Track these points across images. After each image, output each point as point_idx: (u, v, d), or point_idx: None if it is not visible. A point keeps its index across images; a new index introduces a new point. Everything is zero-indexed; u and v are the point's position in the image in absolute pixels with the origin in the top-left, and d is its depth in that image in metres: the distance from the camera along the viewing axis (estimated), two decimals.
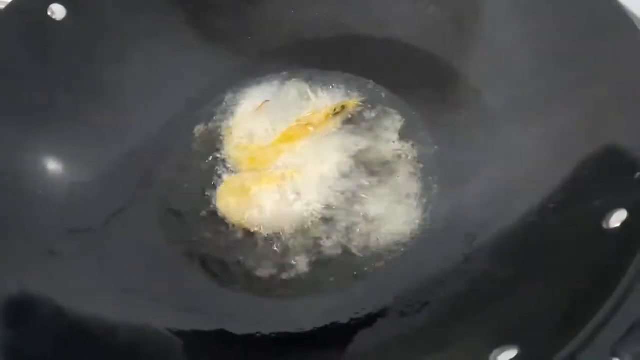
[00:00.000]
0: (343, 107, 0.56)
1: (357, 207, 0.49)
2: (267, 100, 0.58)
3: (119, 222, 0.49)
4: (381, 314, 0.41)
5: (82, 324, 0.39)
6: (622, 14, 0.43)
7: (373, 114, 0.56)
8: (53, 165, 0.50)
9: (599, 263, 0.35)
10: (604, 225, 0.36)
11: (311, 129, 0.55)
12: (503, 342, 0.33)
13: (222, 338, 0.41)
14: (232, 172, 0.54)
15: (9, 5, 0.52)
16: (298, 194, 0.50)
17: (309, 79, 0.60)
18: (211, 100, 0.59)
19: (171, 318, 0.42)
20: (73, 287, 0.42)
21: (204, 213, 0.51)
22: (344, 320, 0.42)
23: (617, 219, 0.36)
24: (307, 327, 0.42)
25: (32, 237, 0.44)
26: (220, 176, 0.53)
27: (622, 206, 0.36)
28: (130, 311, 0.42)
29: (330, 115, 0.56)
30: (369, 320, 0.41)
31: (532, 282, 0.38)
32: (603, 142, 0.41)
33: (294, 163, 0.53)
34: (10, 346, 0.36)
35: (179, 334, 0.41)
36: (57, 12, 0.54)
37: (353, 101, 0.57)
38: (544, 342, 0.32)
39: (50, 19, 0.54)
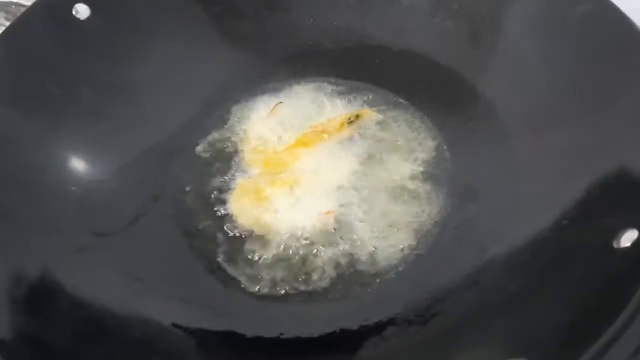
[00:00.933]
0: (357, 116, 0.57)
1: (368, 216, 0.50)
2: (280, 102, 0.59)
3: (136, 219, 0.49)
4: (390, 322, 0.42)
5: (98, 317, 0.40)
6: (635, 33, 0.44)
7: (387, 124, 0.57)
8: (74, 160, 0.51)
9: (609, 281, 0.35)
10: (615, 245, 0.36)
11: (325, 136, 0.56)
12: (512, 355, 0.34)
13: (231, 339, 0.42)
14: (247, 175, 0.54)
15: (36, 3, 0.53)
16: (310, 200, 0.51)
17: (325, 86, 0.61)
18: (228, 102, 0.60)
19: (184, 317, 0.42)
20: (91, 280, 0.43)
21: (218, 215, 0.51)
22: (352, 327, 0.42)
23: (628, 238, 0.36)
24: (316, 332, 0.42)
25: (54, 229, 0.45)
26: (234, 179, 0.54)
27: (633, 226, 0.36)
28: (145, 308, 0.42)
29: (345, 124, 0.57)
30: (377, 328, 0.42)
31: (542, 296, 0.38)
32: (616, 162, 0.41)
33: (307, 169, 0.54)
34: (30, 334, 0.37)
35: (191, 332, 0.42)
36: (82, 11, 0.55)
37: (368, 110, 0.58)
38: (552, 356, 0.32)
39: (74, 17, 0.55)
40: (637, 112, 0.43)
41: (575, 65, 0.49)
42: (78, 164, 0.51)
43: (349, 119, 0.57)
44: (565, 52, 0.50)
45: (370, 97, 0.59)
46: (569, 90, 0.49)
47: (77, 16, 0.55)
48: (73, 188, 0.49)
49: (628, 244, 0.36)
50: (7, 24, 0.70)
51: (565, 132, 0.47)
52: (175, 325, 0.42)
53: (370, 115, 0.57)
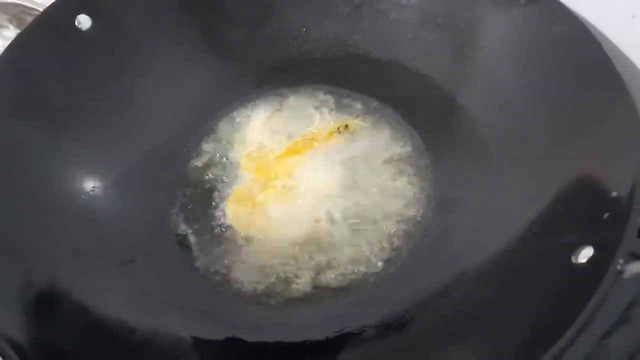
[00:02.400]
0: (346, 126, 0.60)
1: (351, 224, 0.53)
2: (279, 109, 0.63)
3: (135, 227, 0.53)
4: (366, 328, 0.45)
5: (103, 322, 0.44)
6: (612, 68, 0.46)
7: (374, 133, 0.60)
8: (77, 169, 0.54)
9: (566, 297, 0.38)
10: (574, 260, 0.40)
11: (315, 144, 0.60)
12: None
13: (227, 346, 0.46)
14: (242, 181, 0.58)
15: (41, 15, 0.56)
16: (299, 208, 0.55)
17: (316, 96, 0.64)
18: (223, 110, 0.63)
19: (182, 322, 0.46)
20: (95, 286, 0.46)
21: (214, 220, 0.55)
22: (331, 331, 0.46)
23: (585, 255, 0.39)
24: (296, 337, 0.46)
25: (60, 238, 0.48)
26: (230, 185, 0.57)
27: (590, 243, 0.39)
28: (146, 314, 0.46)
29: (334, 133, 0.60)
30: (356, 333, 0.45)
31: (507, 308, 0.42)
32: (581, 181, 0.45)
33: (297, 177, 0.57)
34: (39, 337, 0.40)
35: (185, 337, 0.46)
36: (84, 22, 0.57)
37: (356, 121, 0.61)
38: None
39: (77, 28, 0.57)
40: (606, 135, 0.45)
41: (550, 86, 0.51)
42: (81, 173, 0.54)
43: (338, 129, 0.60)
44: (541, 72, 0.52)
45: (359, 107, 0.62)
46: (543, 109, 0.51)
47: (80, 27, 0.57)
48: (82, 196, 0.53)
49: (584, 260, 0.39)
50: (8, 24, 0.73)
51: (539, 149, 0.50)
52: (177, 331, 0.45)
53: (358, 125, 0.61)
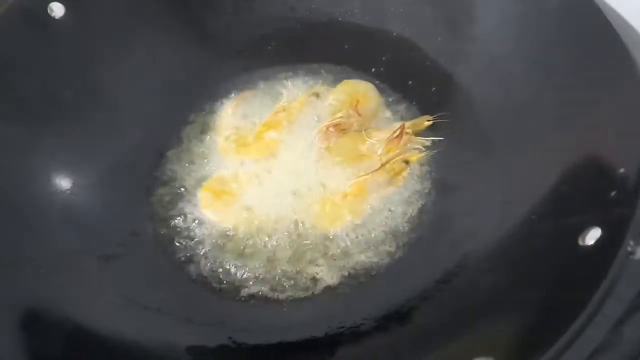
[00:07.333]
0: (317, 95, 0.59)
1: (341, 209, 0.51)
2: (239, 97, 0.61)
3: (116, 223, 0.51)
4: (366, 321, 0.44)
5: (90, 326, 0.42)
6: (617, 39, 0.43)
7: (366, 112, 0.58)
8: (56, 166, 0.52)
9: (573, 281, 0.36)
10: (580, 242, 0.38)
11: (290, 116, 0.58)
12: (480, 353, 0.36)
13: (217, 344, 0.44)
14: (221, 167, 0.56)
15: (11, 5, 0.53)
16: (282, 194, 0.52)
17: (311, 73, 0.62)
18: (200, 97, 0.61)
19: (173, 324, 0.45)
20: (80, 289, 0.44)
21: (195, 212, 0.53)
22: (331, 325, 0.44)
23: (592, 236, 0.37)
24: (296, 332, 0.44)
25: (41, 239, 0.46)
26: (210, 170, 0.56)
27: (597, 224, 0.37)
28: (134, 315, 0.44)
29: (304, 104, 0.58)
30: (356, 326, 0.44)
31: (511, 295, 0.40)
32: (586, 158, 0.42)
33: (278, 158, 0.55)
34: (24, 345, 0.38)
35: (181, 338, 0.44)
36: (56, 10, 0.54)
37: (321, 87, 0.60)
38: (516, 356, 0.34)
39: (50, 17, 0.54)
40: (611, 108, 0.43)
41: (551, 59, 0.49)
42: (60, 170, 0.52)
43: (309, 95, 0.59)
44: (542, 45, 0.50)
45: (353, 83, 0.60)
46: (545, 84, 0.49)
47: (52, 15, 0.54)
48: (63, 194, 0.50)
49: (592, 242, 0.37)
50: None
51: (541, 127, 0.48)
52: (164, 333, 0.44)
53: (326, 91, 0.59)
